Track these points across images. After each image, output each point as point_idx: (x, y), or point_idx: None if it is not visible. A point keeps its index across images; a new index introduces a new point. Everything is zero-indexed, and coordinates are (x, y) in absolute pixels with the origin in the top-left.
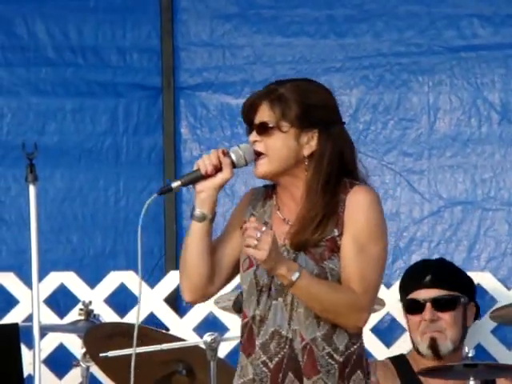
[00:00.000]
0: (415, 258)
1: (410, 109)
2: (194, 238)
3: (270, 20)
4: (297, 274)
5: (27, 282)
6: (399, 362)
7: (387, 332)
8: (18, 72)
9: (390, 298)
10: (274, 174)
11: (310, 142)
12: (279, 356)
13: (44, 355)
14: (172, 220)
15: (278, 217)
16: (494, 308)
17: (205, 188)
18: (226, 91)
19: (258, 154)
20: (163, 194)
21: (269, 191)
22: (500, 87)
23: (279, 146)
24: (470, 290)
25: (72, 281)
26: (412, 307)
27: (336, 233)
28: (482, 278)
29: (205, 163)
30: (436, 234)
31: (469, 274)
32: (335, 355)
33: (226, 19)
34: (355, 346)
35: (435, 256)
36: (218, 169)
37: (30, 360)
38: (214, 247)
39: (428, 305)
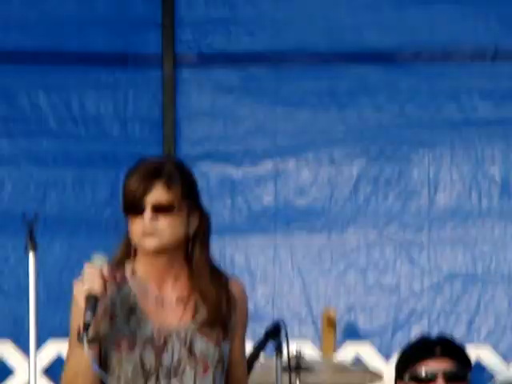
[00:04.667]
0: (415, 330)
1: (410, 181)
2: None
3: (271, 91)
4: None
5: (24, 350)
6: None
7: None
8: (20, 142)
9: (389, 371)
10: (164, 250)
11: (194, 222)
12: None
13: None
14: None
15: (155, 295)
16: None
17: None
18: (226, 161)
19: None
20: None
21: (115, 272)
22: (500, 161)
23: (177, 225)
24: (471, 366)
25: None
26: (422, 378)
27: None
28: (482, 352)
29: (97, 282)
30: (436, 307)
31: (468, 346)
32: None
33: (228, 91)
34: None
35: (435, 329)
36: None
37: None
38: None
39: (440, 376)
